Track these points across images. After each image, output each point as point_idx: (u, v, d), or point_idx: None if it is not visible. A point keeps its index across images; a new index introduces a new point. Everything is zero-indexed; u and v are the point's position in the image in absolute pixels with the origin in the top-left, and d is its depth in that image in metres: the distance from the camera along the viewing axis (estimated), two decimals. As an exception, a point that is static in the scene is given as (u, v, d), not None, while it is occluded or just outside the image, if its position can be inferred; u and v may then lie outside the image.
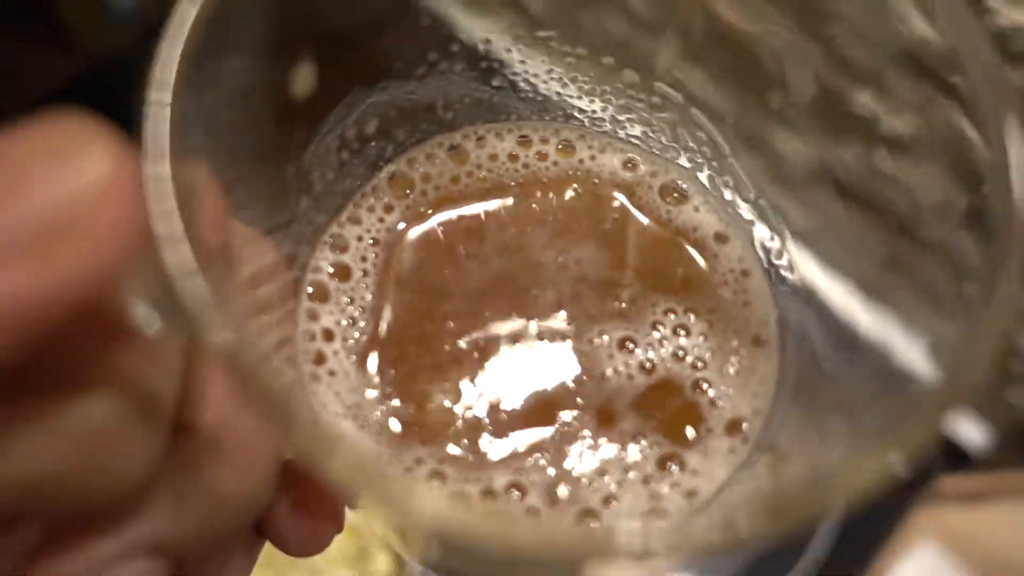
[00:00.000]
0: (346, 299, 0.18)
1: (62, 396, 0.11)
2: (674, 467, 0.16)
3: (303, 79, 0.15)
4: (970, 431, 0.66)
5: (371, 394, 0.17)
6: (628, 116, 0.19)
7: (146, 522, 0.13)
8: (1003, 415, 0.66)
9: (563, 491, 0.16)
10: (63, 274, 0.10)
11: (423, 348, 0.18)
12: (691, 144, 0.19)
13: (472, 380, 0.17)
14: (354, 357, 0.18)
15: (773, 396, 0.16)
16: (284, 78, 0.15)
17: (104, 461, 0.12)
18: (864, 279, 0.15)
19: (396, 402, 0.17)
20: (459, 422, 0.17)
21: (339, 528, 0.18)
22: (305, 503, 0.17)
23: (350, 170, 0.18)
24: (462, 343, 0.18)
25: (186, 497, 0.13)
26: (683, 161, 0.19)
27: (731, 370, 0.17)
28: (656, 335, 0.18)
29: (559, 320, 0.18)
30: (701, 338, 0.18)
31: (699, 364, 0.17)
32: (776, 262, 0.18)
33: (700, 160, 0.19)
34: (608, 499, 0.16)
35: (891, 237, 0.15)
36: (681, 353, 0.18)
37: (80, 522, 0.13)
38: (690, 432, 0.17)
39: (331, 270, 0.18)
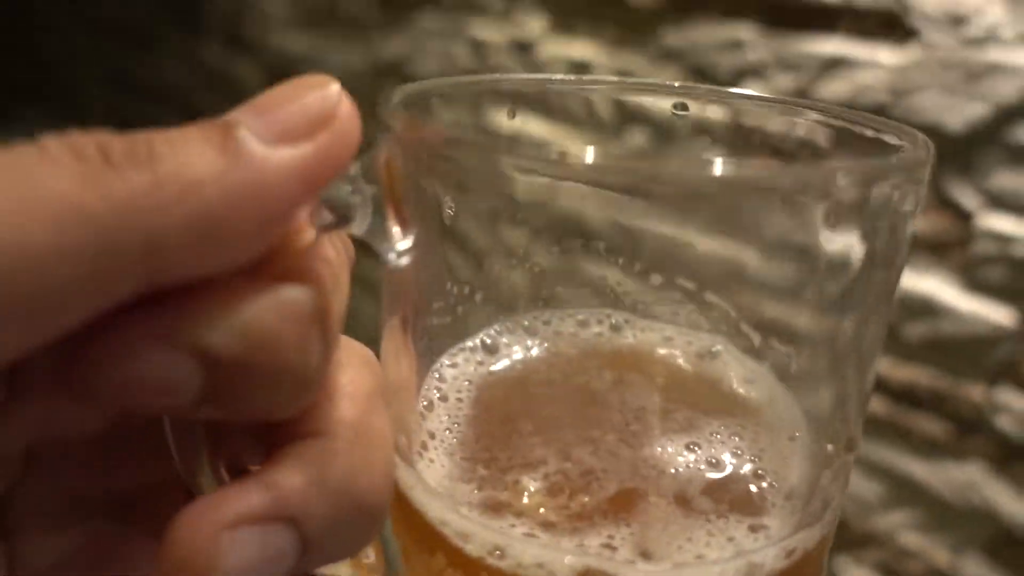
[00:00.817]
0: (446, 415, 0.20)
1: (279, 276, 0.13)
2: (750, 528, 0.16)
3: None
4: None
5: (463, 485, 0.17)
6: (660, 306, 0.23)
7: (288, 486, 0.13)
8: None
9: (654, 549, 0.16)
10: (324, 150, 0.13)
11: (512, 452, 0.19)
12: (709, 323, 0.22)
13: (557, 475, 0.18)
14: (451, 453, 0.18)
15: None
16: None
17: (299, 340, 0.13)
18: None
19: (489, 490, 0.17)
20: (548, 504, 0.17)
21: None
22: None
23: (456, 325, 0.21)
24: (545, 449, 0.19)
25: (322, 477, 0.13)
26: (710, 333, 0.22)
27: (780, 459, 0.18)
28: (716, 437, 0.18)
29: (628, 433, 0.19)
30: (753, 440, 0.19)
31: (755, 459, 0.18)
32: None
33: (722, 330, 0.21)
34: (699, 557, 0.16)
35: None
36: (739, 451, 0.18)
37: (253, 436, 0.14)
38: (758, 505, 0.17)
39: (436, 393, 0.20)
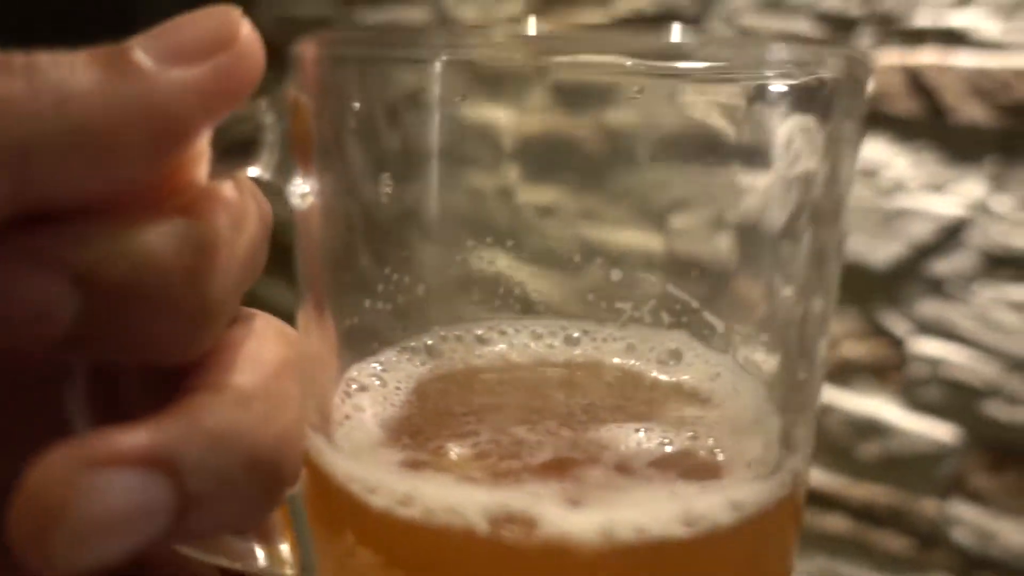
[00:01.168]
0: (381, 397, 0.17)
1: (174, 210, 0.12)
2: (698, 487, 0.14)
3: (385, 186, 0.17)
4: None
5: (383, 450, 0.15)
6: (620, 305, 0.21)
7: (168, 431, 0.11)
8: None
9: (584, 500, 0.13)
10: (222, 72, 0.12)
11: (442, 427, 0.16)
12: (672, 317, 0.20)
13: (487, 444, 0.15)
14: (375, 426, 0.16)
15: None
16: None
17: (189, 272, 0.12)
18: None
19: (409, 452, 0.15)
20: (472, 464, 0.14)
21: None
22: None
23: (404, 322, 0.19)
24: (478, 426, 0.16)
25: (209, 427, 0.12)
26: (672, 331, 0.20)
27: (742, 439, 0.16)
28: (669, 423, 0.16)
29: (573, 420, 0.17)
30: (711, 427, 0.16)
31: (713, 441, 0.15)
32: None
33: (684, 323, 0.19)
34: (634, 504, 0.13)
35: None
36: (694, 435, 0.15)
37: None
38: (711, 472, 0.14)
39: (376, 381, 0.18)
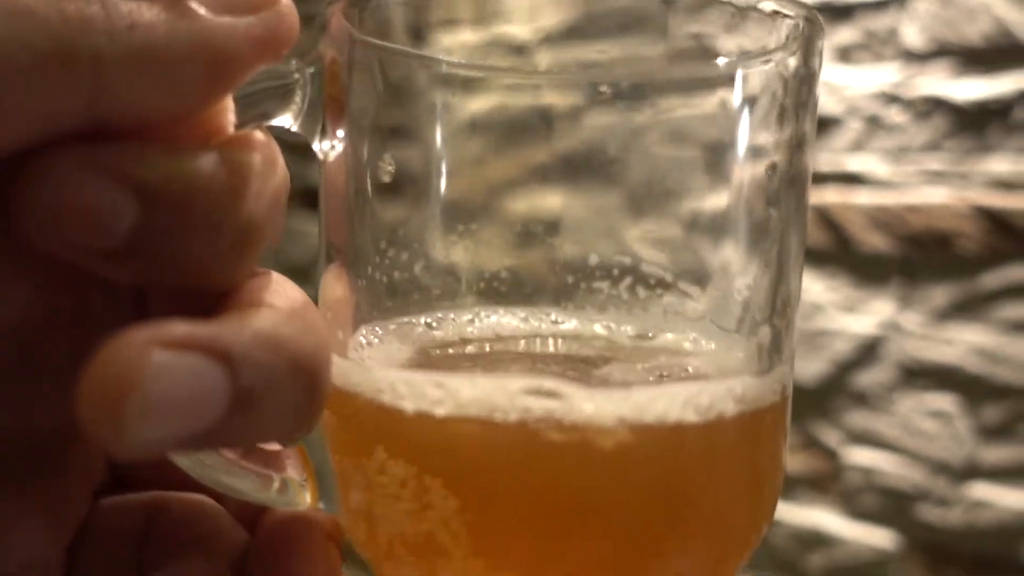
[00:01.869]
0: (384, 354, 0.17)
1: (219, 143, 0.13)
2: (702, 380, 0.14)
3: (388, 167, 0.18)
4: None
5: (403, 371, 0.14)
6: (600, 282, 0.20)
7: (225, 325, 0.12)
8: None
9: (610, 389, 0.13)
10: (266, 24, 0.13)
11: (455, 364, 0.16)
12: (647, 291, 0.20)
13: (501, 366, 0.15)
14: (390, 366, 0.15)
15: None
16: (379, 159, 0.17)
17: (237, 193, 0.12)
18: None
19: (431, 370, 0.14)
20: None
21: None
22: None
23: (409, 295, 0.19)
24: (490, 362, 0.16)
25: (259, 327, 0.12)
26: (649, 313, 0.20)
27: (731, 367, 0.16)
28: (664, 361, 0.16)
29: (575, 366, 0.17)
30: (702, 364, 0.16)
31: (705, 369, 0.16)
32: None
33: (659, 296, 0.19)
34: (653, 394, 0.13)
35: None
36: (688, 368, 0.16)
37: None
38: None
39: (377, 340, 0.17)
